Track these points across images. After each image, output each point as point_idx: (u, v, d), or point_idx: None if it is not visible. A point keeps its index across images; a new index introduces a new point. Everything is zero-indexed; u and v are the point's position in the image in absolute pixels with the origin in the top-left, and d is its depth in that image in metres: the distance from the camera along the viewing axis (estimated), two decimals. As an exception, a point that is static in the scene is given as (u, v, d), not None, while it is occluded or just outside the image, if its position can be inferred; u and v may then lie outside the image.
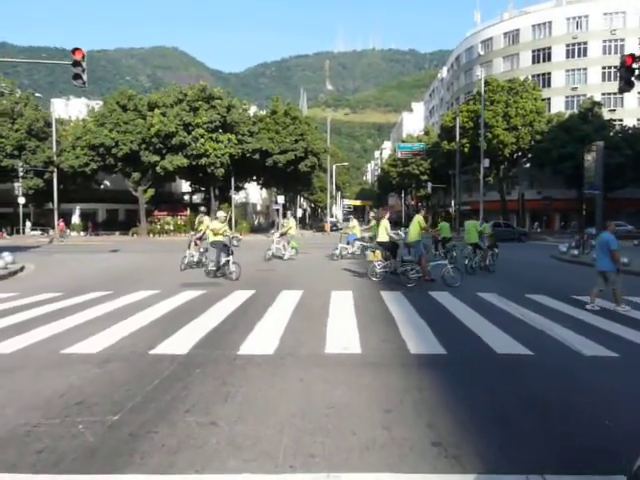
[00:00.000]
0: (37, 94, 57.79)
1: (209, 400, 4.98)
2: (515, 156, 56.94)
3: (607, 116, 56.62)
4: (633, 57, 17.43)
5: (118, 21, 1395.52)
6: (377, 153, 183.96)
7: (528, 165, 60.03)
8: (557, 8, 68.86)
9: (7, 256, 17.52)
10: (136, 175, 52.11)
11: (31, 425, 4.36)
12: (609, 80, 61.90)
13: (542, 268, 19.53)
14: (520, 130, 53.35)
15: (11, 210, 53.53)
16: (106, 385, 5.45)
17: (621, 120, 60.35)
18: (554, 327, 8.33)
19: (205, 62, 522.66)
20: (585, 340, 7.44)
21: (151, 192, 53.75)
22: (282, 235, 22.53)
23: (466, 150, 53.79)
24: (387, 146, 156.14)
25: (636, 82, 17.75)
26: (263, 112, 61.38)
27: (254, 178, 60.51)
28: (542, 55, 68.14)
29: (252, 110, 60.51)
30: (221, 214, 15.95)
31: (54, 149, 50.16)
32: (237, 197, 55.58)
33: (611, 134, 51.96)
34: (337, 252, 22.04)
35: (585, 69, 65.52)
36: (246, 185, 63.59)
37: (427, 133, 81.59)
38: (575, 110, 58.67)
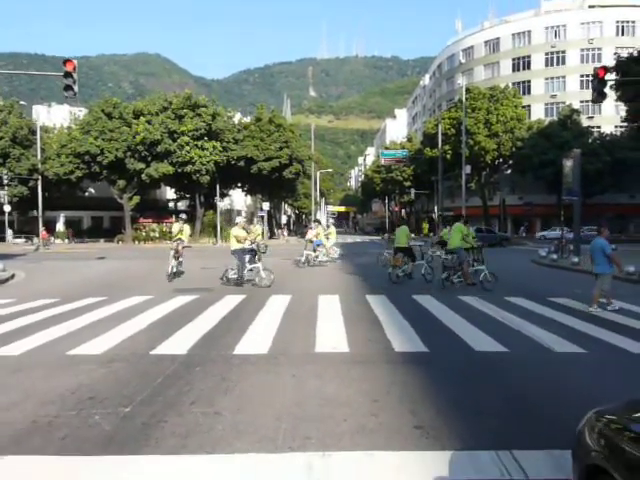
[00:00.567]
0: (21, 102, 57.65)
1: (211, 394, 5.42)
2: (496, 162, 57.93)
3: (585, 123, 58.11)
4: (605, 69, 18.24)
5: (100, 27, 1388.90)
6: (361, 159, 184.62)
7: (509, 171, 61.14)
8: (536, 17, 70.56)
9: (-2, 264, 17.74)
10: (121, 182, 52.20)
11: (51, 416, 4.76)
12: (587, 88, 62.95)
13: (522, 272, 20.08)
14: (501, 137, 54.36)
15: (-5, 218, 53.11)
16: (114, 382, 5.85)
17: (599, 127, 61.86)
18: (529, 327, 8.86)
19: (188, 69, 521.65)
20: (557, 338, 7.99)
21: (136, 199, 53.78)
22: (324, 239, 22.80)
23: (448, 157, 54.57)
24: (371, 152, 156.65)
25: (610, 92, 18.57)
26: (247, 119, 61.78)
27: (239, 185, 60.86)
28: (522, 63, 69.65)
29: (237, 117, 60.92)
30: (240, 219, 15.97)
31: (39, 157, 50.01)
32: (222, 204, 55.82)
33: (589, 141, 53.32)
34: (302, 259, 21.72)
35: (564, 77, 67.18)
36: (231, 192, 63.92)
37: (410, 140, 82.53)
38: (555, 117, 60.09)
